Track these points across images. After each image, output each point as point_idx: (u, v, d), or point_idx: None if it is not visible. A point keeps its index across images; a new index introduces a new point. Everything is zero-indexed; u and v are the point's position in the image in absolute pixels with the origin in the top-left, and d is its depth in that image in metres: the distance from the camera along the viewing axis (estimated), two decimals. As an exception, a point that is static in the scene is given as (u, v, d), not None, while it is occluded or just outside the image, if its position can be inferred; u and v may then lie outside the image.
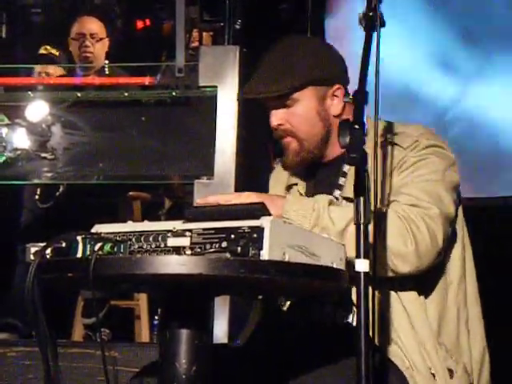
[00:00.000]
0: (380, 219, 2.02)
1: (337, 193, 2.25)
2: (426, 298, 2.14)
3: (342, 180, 2.26)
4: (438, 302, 2.16)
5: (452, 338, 2.15)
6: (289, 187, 2.36)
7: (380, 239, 1.99)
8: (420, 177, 2.13)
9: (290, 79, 2.19)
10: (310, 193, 2.30)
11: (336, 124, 2.23)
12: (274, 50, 2.27)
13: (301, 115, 2.22)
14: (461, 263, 2.20)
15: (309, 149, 2.24)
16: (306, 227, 2.04)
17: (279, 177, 2.41)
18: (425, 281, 2.14)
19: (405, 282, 2.11)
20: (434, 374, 2.08)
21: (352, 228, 1.99)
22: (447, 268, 2.18)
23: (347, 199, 2.19)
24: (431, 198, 2.10)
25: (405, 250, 2.04)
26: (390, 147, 2.15)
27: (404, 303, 2.10)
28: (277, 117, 2.24)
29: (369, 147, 1.78)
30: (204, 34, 4.72)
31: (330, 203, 2.11)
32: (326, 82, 2.24)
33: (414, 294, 2.12)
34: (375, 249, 1.86)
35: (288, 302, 2.25)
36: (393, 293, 2.10)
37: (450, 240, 2.17)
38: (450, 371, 2.10)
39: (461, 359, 2.15)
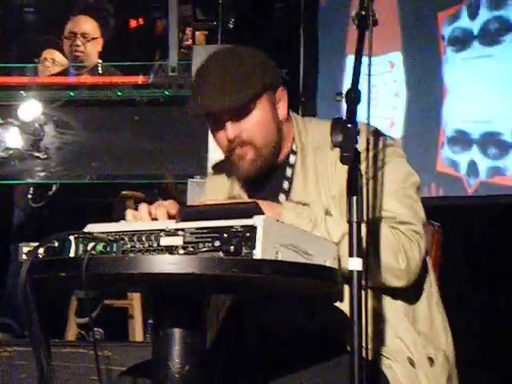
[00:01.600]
0: (373, 233, 2.02)
1: (282, 197, 2.24)
2: (399, 292, 2.15)
3: (285, 184, 2.25)
4: (409, 292, 2.17)
5: (427, 324, 2.18)
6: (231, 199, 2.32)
7: (372, 253, 2.00)
8: (389, 184, 2.14)
9: (248, 88, 2.16)
10: None
11: (283, 129, 2.25)
12: (218, 61, 2.22)
13: (258, 123, 2.20)
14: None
15: (265, 155, 2.21)
16: None
17: (218, 186, 2.37)
18: None
19: None
20: (413, 364, 2.09)
21: (346, 242, 2.00)
22: None
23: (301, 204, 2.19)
24: (409, 211, 2.13)
25: (397, 266, 2.07)
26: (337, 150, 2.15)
27: (380, 301, 2.11)
28: (234, 128, 2.19)
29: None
30: (198, 32, 4.72)
31: (326, 213, 2.12)
32: (274, 87, 2.24)
33: (388, 291, 2.13)
34: (368, 262, 1.86)
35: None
36: (370, 293, 2.10)
37: None
38: (430, 360, 2.12)
39: (440, 346, 2.16)
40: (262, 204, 1.94)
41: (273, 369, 2.08)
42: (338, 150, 2.08)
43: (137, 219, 2.04)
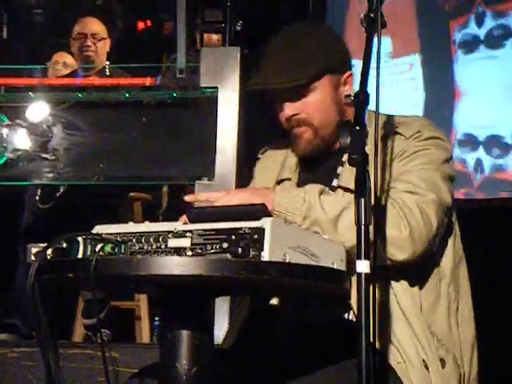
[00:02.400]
0: (376, 207, 2.01)
1: (334, 182, 2.24)
2: (419, 290, 2.14)
3: (339, 169, 2.25)
4: (431, 294, 2.16)
5: (444, 329, 2.16)
6: (280, 182, 2.33)
7: (376, 227, 1.98)
8: (418, 165, 2.15)
9: (309, 68, 2.18)
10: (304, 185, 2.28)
11: (347, 112, 2.25)
12: (283, 39, 2.25)
13: (317, 104, 2.21)
14: (453, 256, 2.22)
15: (323, 137, 2.23)
16: (297, 219, 2.04)
17: (267, 169, 2.38)
18: (418, 273, 2.14)
19: (398, 276, 2.11)
20: (427, 366, 2.08)
21: (345, 217, 2.00)
22: (440, 261, 2.20)
23: (344, 189, 2.19)
24: (428, 184, 2.12)
25: (399, 235, 2.04)
26: (392, 136, 2.16)
27: (398, 297, 2.10)
28: (292, 106, 2.21)
29: (369, 141, 1.80)
30: (216, 36, 4.73)
31: (321, 193, 2.11)
32: (340, 70, 2.25)
33: (407, 286, 2.12)
34: (375, 239, 1.86)
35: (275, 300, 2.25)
36: (387, 287, 2.10)
37: (445, 231, 2.18)
38: (442, 361, 2.11)
39: (451, 350, 2.15)
40: (255, 193, 1.95)
41: (287, 370, 2.08)
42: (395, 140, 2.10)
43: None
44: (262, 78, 2.21)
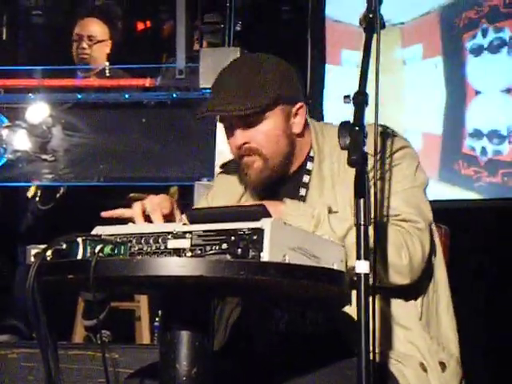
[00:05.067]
0: (379, 232, 2.03)
1: None
2: (412, 296, 2.17)
3: (302, 191, 2.25)
4: (422, 297, 2.19)
5: (436, 328, 2.18)
6: None
7: (378, 252, 2.00)
8: (397, 184, 2.16)
9: (262, 97, 2.16)
10: None
11: (297, 142, 2.25)
12: (236, 68, 2.23)
13: (267, 133, 2.19)
14: (433, 257, 2.24)
15: (273, 167, 2.21)
16: None
17: (230, 188, 2.36)
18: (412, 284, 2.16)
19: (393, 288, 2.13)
20: (425, 369, 2.09)
21: (351, 237, 2.00)
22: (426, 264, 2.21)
23: None
24: (415, 209, 2.15)
25: (400, 263, 2.08)
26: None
27: (392, 306, 2.12)
28: (243, 135, 2.19)
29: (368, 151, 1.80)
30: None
31: (329, 211, 2.12)
32: (291, 100, 2.23)
33: (400, 295, 2.14)
34: (375, 261, 1.87)
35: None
36: (381, 297, 2.10)
37: None
38: (442, 364, 2.12)
39: (451, 351, 2.17)
40: (265, 205, 1.94)
41: (280, 373, 2.08)
42: None
43: (128, 215, 2.05)
44: (217, 105, 2.18)
